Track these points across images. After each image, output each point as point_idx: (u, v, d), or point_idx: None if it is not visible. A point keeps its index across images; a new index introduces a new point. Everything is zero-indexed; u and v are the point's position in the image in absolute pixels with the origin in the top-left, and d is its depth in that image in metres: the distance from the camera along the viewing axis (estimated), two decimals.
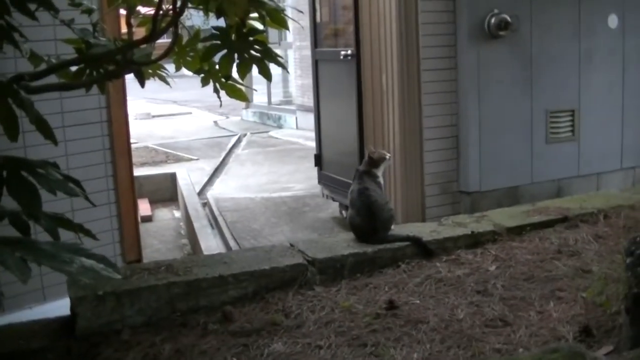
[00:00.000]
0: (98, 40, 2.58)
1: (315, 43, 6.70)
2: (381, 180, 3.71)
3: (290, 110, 13.16)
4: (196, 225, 6.26)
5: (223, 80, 2.78)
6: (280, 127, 12.96)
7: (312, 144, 7.22)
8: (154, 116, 15.41)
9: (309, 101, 8.73)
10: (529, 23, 5.34)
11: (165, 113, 16.12)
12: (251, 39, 2.58)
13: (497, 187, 5.40)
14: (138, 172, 7.32)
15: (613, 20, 5.67)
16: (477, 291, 3.06)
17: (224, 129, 13.28)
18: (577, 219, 3.89)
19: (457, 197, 5.41)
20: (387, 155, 3.77)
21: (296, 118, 12.61)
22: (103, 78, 2.62)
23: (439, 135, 5.32)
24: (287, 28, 2.71)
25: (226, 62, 2.62)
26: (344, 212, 6.04)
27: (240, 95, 2.84)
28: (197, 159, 9.96)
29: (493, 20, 5.15)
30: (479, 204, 5.23)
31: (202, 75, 2.82)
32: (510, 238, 3.67)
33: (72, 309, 2.83)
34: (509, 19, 5.16)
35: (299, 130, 12.16)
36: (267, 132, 12.45)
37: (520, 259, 3.40)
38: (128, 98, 4.45)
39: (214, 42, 2.61)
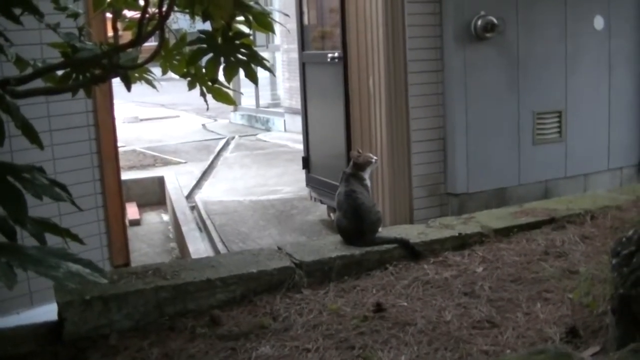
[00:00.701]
0: (84, 44, 2.57)
1: (303, 46, 6.70)
2: (368, 182, 3.70)
3: (278, 112, 13.14)
4: (184, 228, 6.24)
5: (209, 83, 2.78)
6: (268, 129, 12.94)
7: (300, 146, 7.22)
8: (141, 120, 15.34)
9: (297, 104, 8.71)
10: (515, 25, 5.37)
11: (153, 116, 16.05)
12: (237, 42, 2.58)
13: (485, 188, 5.42)
14: (126, 175, 7.30)
15: (599, 22, 5.71)
16: (465, 293, 3.07)
17: (212, 132, 13.24)
18: (564, 220, 3.92)
19: (445, 199, 5.43)
20: (373, 158, 3.75)
21: (284, 121, 12.59)
22: (89, 82, 2.61)
23: (426, 137, 5.34)
24: (273, 31, 2.71)
25: (212, 65, 2.61)
26: (332, 214, 6.04)
27: (227, 99, 2.84)
28: (185, 163, 9.92)
29: (479, 22, 5.18)
30: (467, 206, 5.25)
31: (189, 78, 2.82)
32: (497, 240, 3.69)
33: (59, 313, 2.82)
34: (495, 21, 5.18)
35: (287, 133, 12.14)
36: (255, 135, 12.42)
37: (508, 260, 3.41)
38: (116, 102, 4.44)
39: (200, 45, 2.61)
